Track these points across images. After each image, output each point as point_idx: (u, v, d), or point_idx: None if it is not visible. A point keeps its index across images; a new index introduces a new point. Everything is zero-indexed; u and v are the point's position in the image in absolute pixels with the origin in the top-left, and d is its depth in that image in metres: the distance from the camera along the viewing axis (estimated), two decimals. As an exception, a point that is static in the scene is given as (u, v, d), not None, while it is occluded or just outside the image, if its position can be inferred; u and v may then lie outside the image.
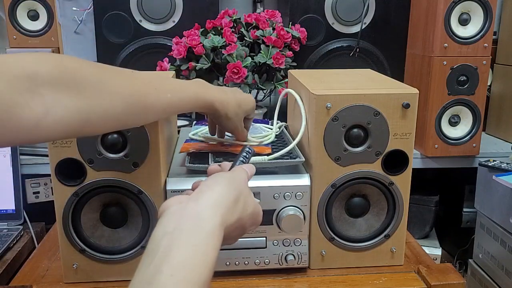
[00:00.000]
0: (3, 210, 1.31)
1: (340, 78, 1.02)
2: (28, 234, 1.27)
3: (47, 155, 0.80)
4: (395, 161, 0.87)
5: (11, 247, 1.19)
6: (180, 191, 0.82)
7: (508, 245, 1.31)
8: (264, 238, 0.88)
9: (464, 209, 1.67)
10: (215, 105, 0.80)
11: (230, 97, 0.84)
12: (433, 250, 1.65)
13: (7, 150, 1.32)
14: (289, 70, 1.14)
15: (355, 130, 0.85)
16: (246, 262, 0.88)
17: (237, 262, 0.88)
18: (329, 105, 0.82)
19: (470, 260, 1.52)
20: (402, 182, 0.88)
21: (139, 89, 0.65)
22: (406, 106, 0.83)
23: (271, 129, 1.05)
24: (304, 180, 0.86)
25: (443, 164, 1.50)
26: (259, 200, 0.66)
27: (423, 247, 1.01)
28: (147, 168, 0.81)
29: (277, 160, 0.87)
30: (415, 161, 1.47)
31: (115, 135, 0.80)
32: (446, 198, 1.72)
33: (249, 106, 0.89)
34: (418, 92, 0.85)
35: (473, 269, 1.49)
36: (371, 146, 0.85)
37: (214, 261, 0.47)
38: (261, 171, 0.87)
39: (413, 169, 0.88)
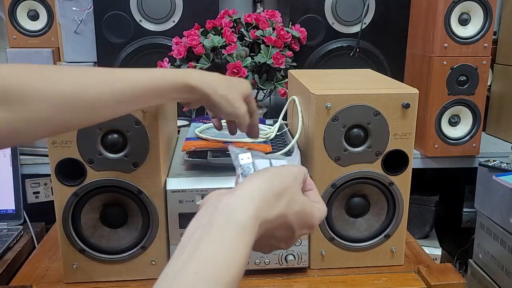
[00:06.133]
0: (3, 210, 1.31)
1: (340, 78, 1.02)
2: (28, 234, 1.27)
3: (47, 155, 0.80)
4: (395, 161, 0.87)
5: (11, 247, 1.19)
6: (180, 191, 0.82)
7: (508, 245, 1.31)
8: (264, 238, 0.88)
9: (464, 209, 1.67)
10: (194, 83, 0.69)
11: (213, 74, 0.74)
12: (433, 250, 1.65)
13: (7, 150, 1.32)
14: (289, 70, 1.14)
15: (355, 130, 0.85)
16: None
17: (237, 262, 0.88)
18: (329, 105, 0.82)
19: (470, 260, 1.52)
20: (402, 182, 0.88)
21: (74, 85, 0.59)
22: (406, 106, 0.83)
23: (270, 128, 1.06)
24: (304, 180, 0.86)
25: (443, 164, 1.50)
26: (318, 201, 0.59)
27: (423, 247, 1.01)
28: (147, 168, 0.81)
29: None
30: (415, 161, 1.47)
31: (115, 135, 0.80)
32: (446, 198, 1.72)
33: (243, 84, 0.79)
34: (418, 92, 0.85)
35: (473, 269, 1.49)
36: (371, 146, 0.85)
37: (244, 258, 0.45)
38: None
39: (413, 169, 0.88)
